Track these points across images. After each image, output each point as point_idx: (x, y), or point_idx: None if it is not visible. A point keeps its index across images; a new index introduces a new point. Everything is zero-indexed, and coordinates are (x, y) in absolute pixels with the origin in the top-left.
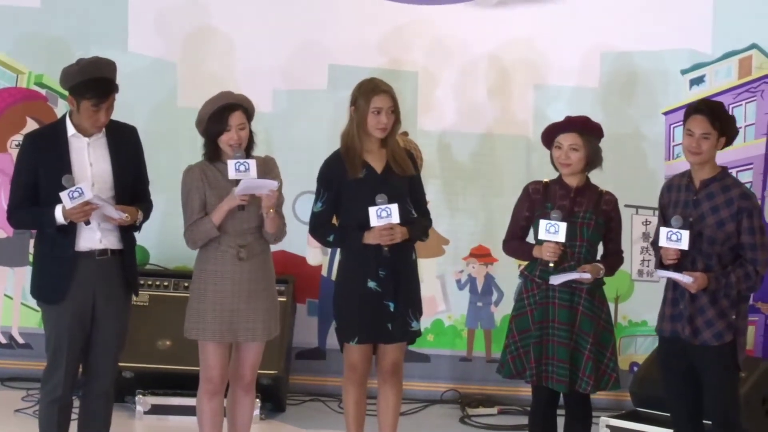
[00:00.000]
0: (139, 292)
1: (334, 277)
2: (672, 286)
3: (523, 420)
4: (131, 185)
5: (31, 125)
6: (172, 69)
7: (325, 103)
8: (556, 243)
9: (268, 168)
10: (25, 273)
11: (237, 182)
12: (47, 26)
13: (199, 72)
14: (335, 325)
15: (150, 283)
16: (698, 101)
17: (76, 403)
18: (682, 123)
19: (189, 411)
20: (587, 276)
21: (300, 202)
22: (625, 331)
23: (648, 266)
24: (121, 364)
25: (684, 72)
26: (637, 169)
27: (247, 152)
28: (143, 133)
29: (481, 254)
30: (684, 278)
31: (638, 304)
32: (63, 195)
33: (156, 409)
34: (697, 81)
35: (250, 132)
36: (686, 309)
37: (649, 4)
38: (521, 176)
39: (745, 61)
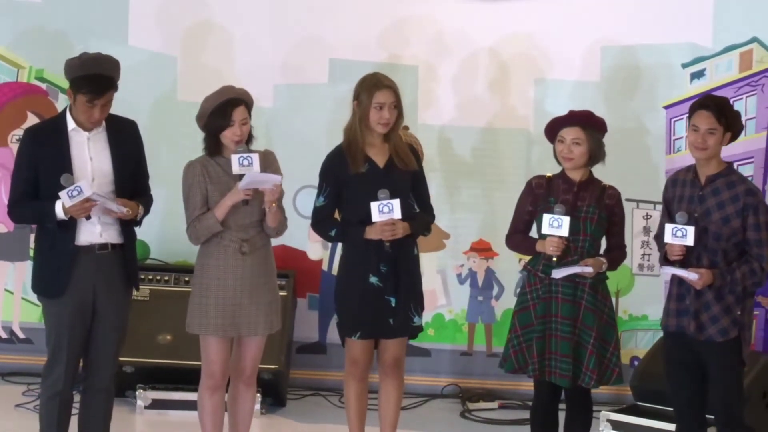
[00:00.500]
0: (140, 287)
1: (334, 271)
2: (677, 281)
3: (524, 414)
4: (131, 179)
5: (32, 120)
6: (173, 63)
7: (326, 97)
8: (560, 237)
9: (268, 162)
10: (26, 268)
11: (240, 177)
12: (48, 20)
13: (200, 66)
14: (337, 320)
15: (150, 277)
16: (704, 97)
17: (77, 397)
18: (682, 117)
19: (189, 405)
20: (589, 270)
21: (300, 197)
22: (625, 325)
23: (649, 260)
24: (121, 358)
25: (685, 66)
26: (638, 163)
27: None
28: (143, 128)
29: (481, 248)
30: (689, 275)
31: (639, 298)
32: (62, 194)
33: (156, 404)
34: (698, 75)
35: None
36: (692, 304)
37: None
38: (522, 170)
39: (745, 55)
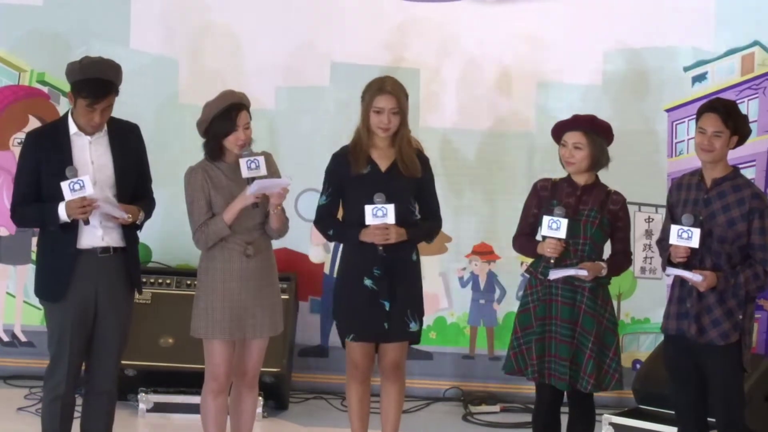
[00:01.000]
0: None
1: (336, 274)
2: (679, 284)
3: (526, 417)
4: (133, 183)
5: (33, 123)
6: (175, 66)
7: (328, 100)
8: (558, 239)
9: (267, 164)
10: (27, 271)
11: (250, 180)
12: (49, 23)
13: (202, 69)
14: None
15: (152, 280)
16: (712, 99)
17: (79, 401)
18: (684, 120)
19: (192, 409)
20: (584, 273)
21: (302, 200)
22: (627, 328)
23: (651, 264)
24: (123, 361)
25: (687, 69)
26: (640, 166)
27: None
28: (145, 131)
29: (483, 252)
30: (693, 277)
31: (641, 302)
32: (64, 185)
33: (158, 407)
34: (700, 78)
35: None
36: (693, 307)
37: (652, 1)
38: (524, 174)
39: (747, 58)
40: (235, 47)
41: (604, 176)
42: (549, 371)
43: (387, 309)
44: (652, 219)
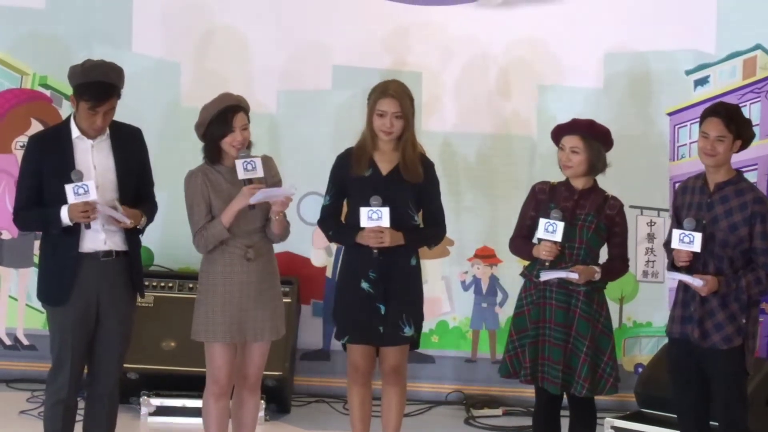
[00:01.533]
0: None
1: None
2: (683, 287)
3: (528, 421)
4: (135, 187)
5: (36, 126)
6: (177, 69)
7: (329, 103)
8: (553, 242)
9: (266, 167)
10: (30, 274)
11: (246, 181)
12: (51, 27)
13: (204, 72)
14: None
15: (155, 284)
16: (715, 103)
17: (81, 404)
18: (686, 124)
19: (194, 412)
20: (575, 276)
21: (304, 203)
22: (629, 332)
23: (653, 267)
24: (125, 365)
25: (688, 72)
26: (642, 170)
27: None
28: (148, 134)
29: (485, 255)
30: (695, 281)
31: (643, 305)
32: (68, 188)
33: (161, 411)
34: (702, 81)
35: None
36: (696, 311)
37: (654, 4)
38: (525, 177)
39: (749, 62)
40: (237, 50)
41: (606, 180)
42: (542, 374)
43: (382, 312)
44: (654, 223)
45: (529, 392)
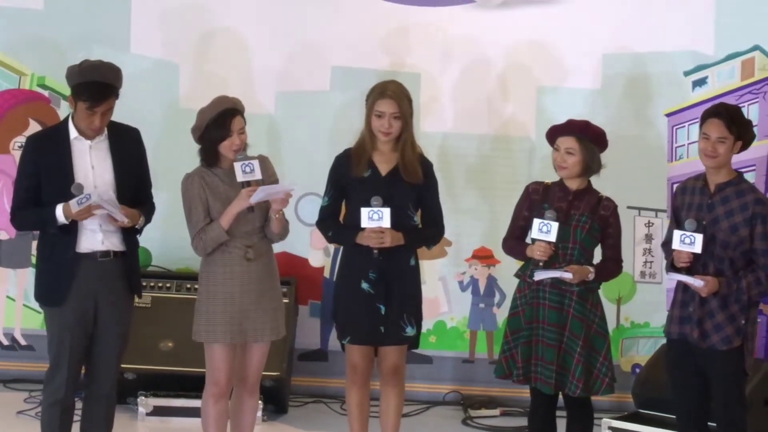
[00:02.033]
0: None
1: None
2: (682, 288)
3: (526, 422)
4: (133, 188)
5: (34, 127)
6: (175, 70)
7: (327, 104)
8: (548, 243)
9: (264, 167)
10: (28, 275)
11: (245, 184)
12: (50, 27)
13: (202, 73)
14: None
15: (152, 284)
16: (716, 104)
17: (79, 404)
18: (684, 124)
19: (191, 412)
20: (568, 276)
21: (302, 204)
22: (627, 332)
23: (650, 268)
24: (123, 365)
25: (687, 73)
26: (640, 171)
27: None
28: (146, 135)
29: (483, 256)
30: (695, 282)
31: (640, 306)
32: (72, 203)
33: (158, 411)
34: (700, 82)
35: None
36: (695, 312)
37: (652, 5)
38: (524, 178)
39: (747, 63)
40: (235, 52)
41: (603, 180)
42: (535, 375)
43: (383, 313)
44: (652, 223)
45: (526, 392)
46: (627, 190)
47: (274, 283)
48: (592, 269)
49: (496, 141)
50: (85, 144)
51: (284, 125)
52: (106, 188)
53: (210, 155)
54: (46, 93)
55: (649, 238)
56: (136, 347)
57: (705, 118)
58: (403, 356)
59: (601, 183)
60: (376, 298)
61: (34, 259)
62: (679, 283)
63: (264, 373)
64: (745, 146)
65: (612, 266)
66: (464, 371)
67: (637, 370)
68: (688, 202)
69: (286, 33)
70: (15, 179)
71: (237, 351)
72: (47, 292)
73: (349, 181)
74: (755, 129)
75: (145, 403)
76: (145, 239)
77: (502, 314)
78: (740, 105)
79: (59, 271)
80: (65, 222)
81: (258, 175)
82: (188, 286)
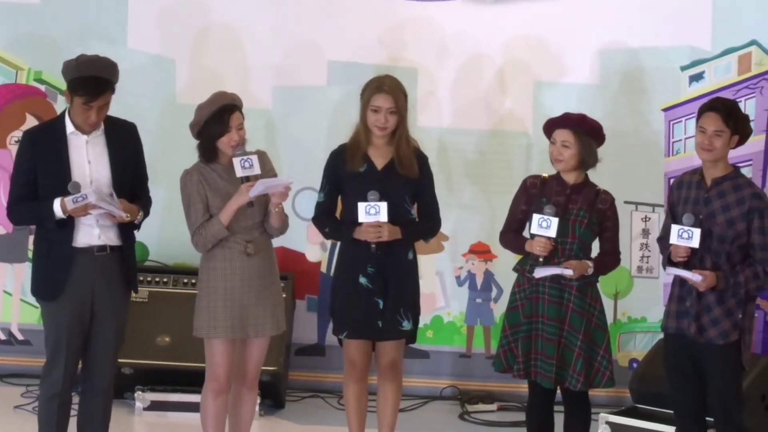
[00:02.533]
0: (139, 289)
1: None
2: (679, 282)
3: (523, 416)
4: (130, 183)
5: (31, 121)
6: (172, 65)
7: (324, 99)
8: (547, 238)
9: (262, 162)
10: (24, 269)
11: (244, 179)
12: (47, 22)
13: (199, 69)
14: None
15: (149, 279)
16: (713, 98)
17: (76, 399)
18: (681, 119)
19: (188, 407)
20: (569, 272)
21: (300, 199)
22: (624, 327)
23: (647, 263)
24: (120, 360)
25: (683, 68)
26: (637, 166)
27: None
28: (143, 130)
29: (480, 251)
30: (693, 276)
31: (637, 301)
32: (68, 200)
33: (155, 406)
34: (697, 77)
35: None
36: (692, 306)
37: (649, 1)
38: (521, 173)
39: (744, 58)
40: (232, 47)
41: (600, 175)
42: (535, 369)
43: (380, 307)
44: (649, 218)
45: (523, 387)
46: (624, 185)
47: (274, 277)
48: (590, 263)
49: (494, 136)
50: (82, 139)
51: (281, 120)
52: (103, 183)
53: (208, 151)
54: (42, 88)
55: (646, 233)
56: (133, 342)
57: (702, 112)
58: (401, 351)
59: (598, 178)
60: (374, 293)
61: (30, 254)
62: (676, 278)
63: (261, 367)
64: (742, 141)
65: (610, 260)
66: (461, 366)
67: (635, 365)
68: (685, 196)
69: (282, 28)
70: (11, 174)
71: (237, 346)
72: (44, 287)
73: (345, 176)
74: (751, 124)
75: (142, 397)
76: (142, 234)
77: (499, 309)
78: (737, 100)
79: (56, 266)
80: (63, 216)
81: (257, 170)
82: (185, 280)
